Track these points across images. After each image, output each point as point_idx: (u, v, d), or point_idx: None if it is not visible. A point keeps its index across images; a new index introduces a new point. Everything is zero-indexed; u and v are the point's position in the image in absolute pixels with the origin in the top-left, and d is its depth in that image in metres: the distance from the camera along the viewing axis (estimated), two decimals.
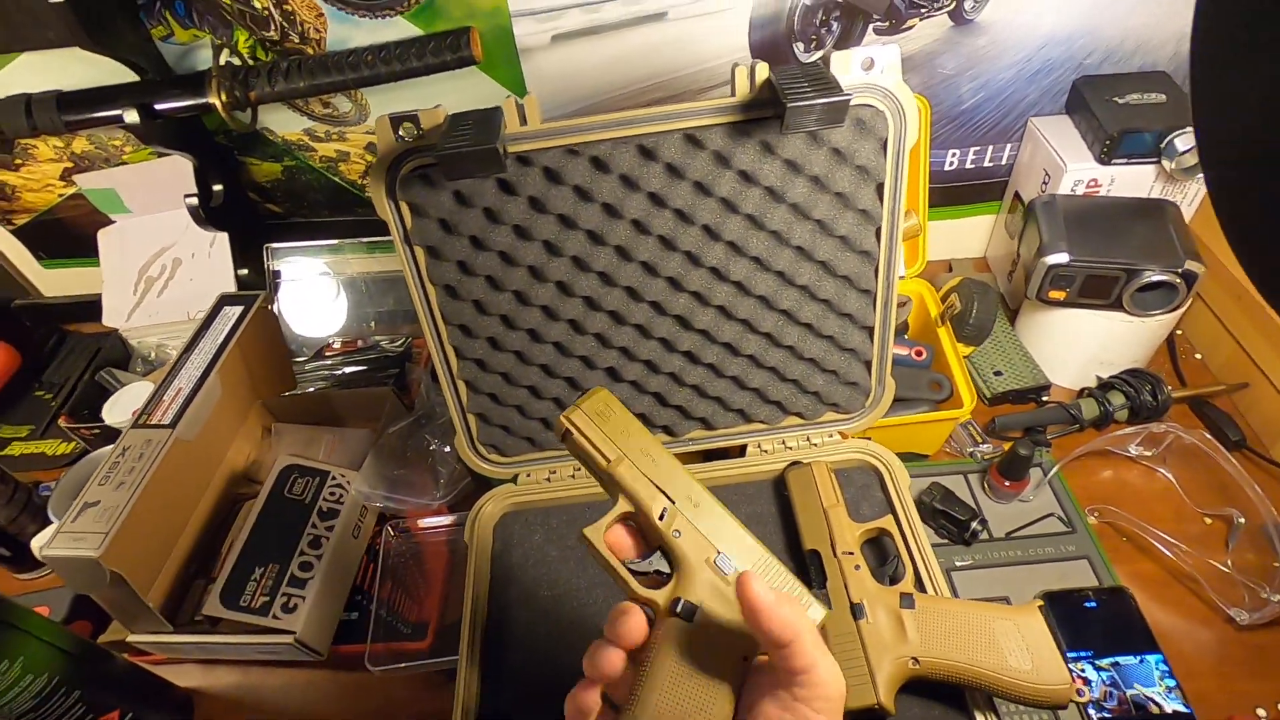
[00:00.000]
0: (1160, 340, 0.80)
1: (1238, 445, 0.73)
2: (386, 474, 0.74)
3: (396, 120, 0.49)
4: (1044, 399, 0.81)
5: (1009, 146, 0.88)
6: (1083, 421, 0.76)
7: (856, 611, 0.52)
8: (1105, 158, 0.76)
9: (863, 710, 0.48)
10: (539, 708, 0.50)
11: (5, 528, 0.74)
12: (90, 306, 1.01)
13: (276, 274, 0.98)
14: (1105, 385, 0.77)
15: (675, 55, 0.81)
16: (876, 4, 0.75)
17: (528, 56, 0.80)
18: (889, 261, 0.56)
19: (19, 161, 0.92)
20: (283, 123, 0.87)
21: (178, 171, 0.89)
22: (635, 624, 0.35)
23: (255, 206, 0.97)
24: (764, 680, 0.35)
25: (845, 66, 0.48)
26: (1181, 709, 0.56)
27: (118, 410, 0.77)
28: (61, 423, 0.85)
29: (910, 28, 0.78)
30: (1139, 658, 0.60)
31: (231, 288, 0.94)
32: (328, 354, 0.94)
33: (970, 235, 0.98)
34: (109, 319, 0.98)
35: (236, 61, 0.80)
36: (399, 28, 0.78)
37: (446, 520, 0.75)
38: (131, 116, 0.76)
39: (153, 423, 0.61)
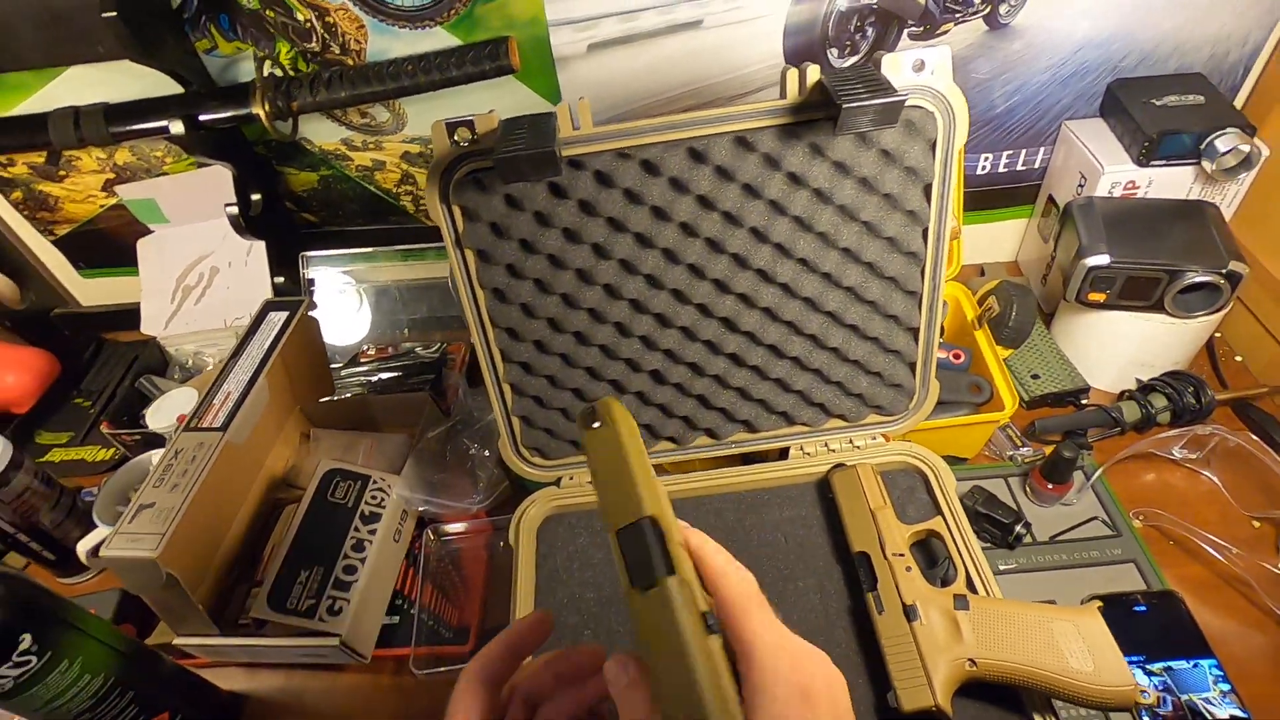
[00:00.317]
0: (1201, 342, 0.79)
1: None
2: (427, 478, 0.75)
3: (452, 125, 0.49)
4: (1083, 402, 0.80)
5: (1042, 150, 0.88)
6: (1124, 424, 0.75)
7: (910, 613, 0.51)
8: (1144, 159, 0.75)
9: (920, 713, 0.48)
10: None
11: (51, 532, 0.75)
12: (127, 315, 1.03)
13: (311, 282, 0.99)
14: (1146, 388, 0.77)
15: (710, 63, 0.82)
16: (911, 9, 0.76)
17: (564, 65, 0.81)
18: (936, 263, 0.56)
19: (63, 173, 0.94)
20: (320, 133, 0.89)
21: (216, 182, 0.91)
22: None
23: (291, 216, 0.98)
24: None
25: (896, 68, 0.49)
26: (1239, 714, 0.56)
27: (161, 416, 0.78)
28: (103, 429, 0.86)
29: (945, 32, 0.78)
30: (1192, 662, 0.59)
31: (268, 295, 0.95)
32: (362, 360, 0.95)
33: (1002, 239, 0.98)
34: (147, 327, 0.99)
35: (278, 73, 0.81)
36: (438, 38, 0.79)
37: (485, 525, 0.75)
38: (177, 127, 0.78)
39: (204, 426, 0.61)
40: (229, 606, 0.69)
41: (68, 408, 0.99)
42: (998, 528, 0.68)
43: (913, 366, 0.62)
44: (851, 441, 0.65)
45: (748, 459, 0.69)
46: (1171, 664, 0.59)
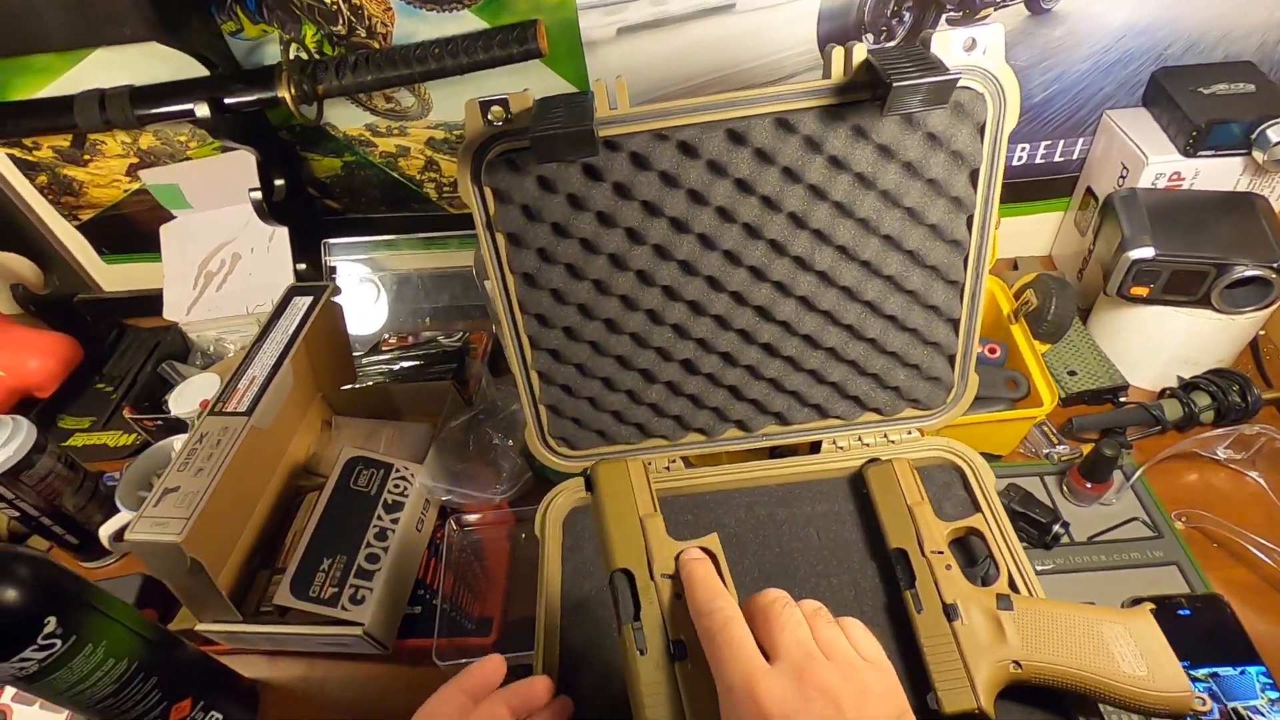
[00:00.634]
0: (1247, 339, 0.77)
1: None
2: (449, 468, 0.74)
3: (485, 104, 0.48)
4: (1121, 400, 0.78)
5: (1081, 141, 0.86)
6: (1165, 423, 0.73)
7: (950, 613, 0.50)
8: (1190, 150, 0.73)
9: (961, 715, 0.46)
10: (617, 704, 0.49)
11: (74, 516, 0.75)
12: (148, 301, 1.03)
13: (333, 270, 0.99)
14: (1189, 385, 0.74)
15: (740, 48, 0.80)
16: None
17: (592, 50, 0.80)
18: (980, 252, 0.55)
19: (87, 157, 0.93)
20: (345, 118, 0.88)
21: (240, 167, 0.90)
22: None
23: (314, 202, 0.97)
24: None
25: (946, 46, 0.47)
26: None
27: (184, 401, 0.78)
28: (125, 414, 0.86)
29: (984, 18, 0.76)
30: (1239, 669, 0.57)
31: (290, 282, 0.94)
32: (384, 348, 0.94)
33: (1036, 233, 0.96)
34: (169, 313, 0.99)
35: (304, 56, 0.80)
36: (465, 21, 0.78)
37: (508, 516, 0.74)
38: (203, 110, 0.77)
39: (228, 410, 0.61)
40: (250, 593, 0.68)
41: (90, 393, 0.99)
42: (1035, 527, 0.67)
43: (951, 359, 0.60)
44: (886, 436, 0.63)
45: (776, 452, 0.68)
46: (1218, 670, 0.57)
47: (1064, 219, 0.94)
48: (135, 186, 0.97)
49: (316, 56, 0.81)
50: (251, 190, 0.86)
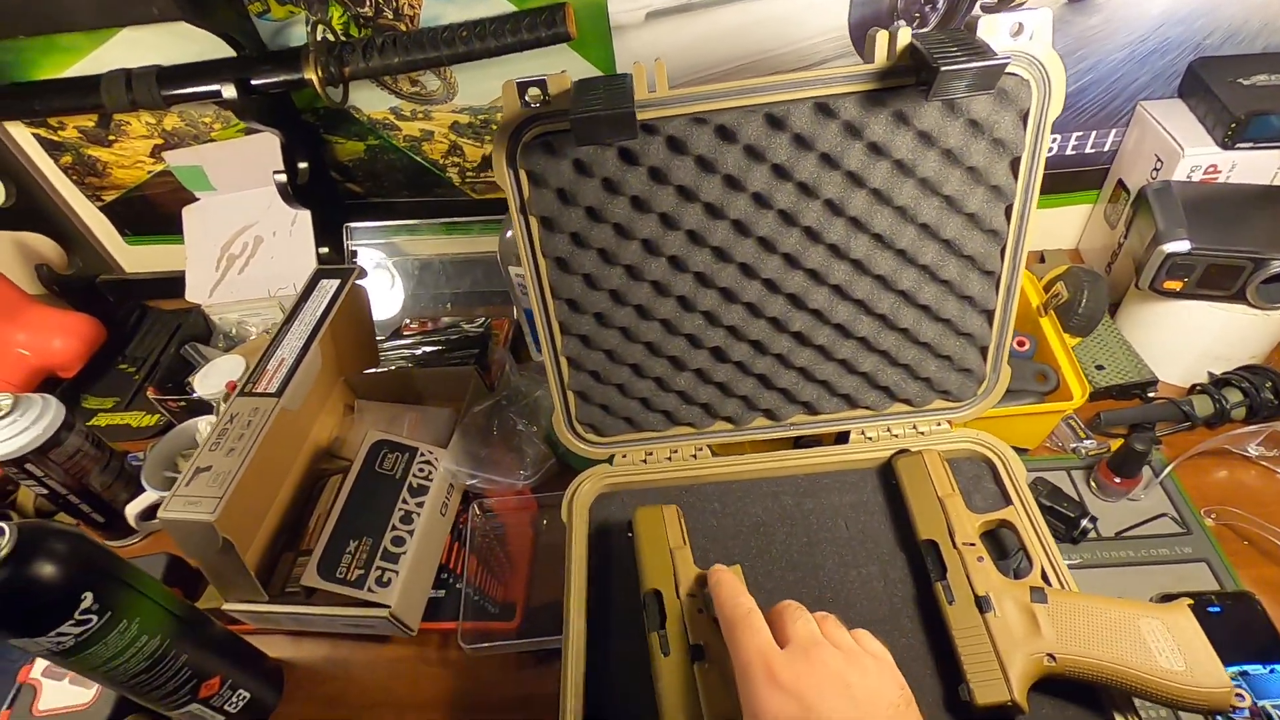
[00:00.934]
0: None
1: None
2: (473, 452, 0.74)
3: (523, 85, 0.48)
4: (1150, 395, 0.77)
5: (1113, 132, 0.85)
6: (1195, 419, 0.72)
7: (983, 604, 0.49)
8: (1228, 142, 0.72)
9: (994, 707, 0.46)
10: (644, 691, 0.49)
11: (100, 494, 0.75)
12: (170, 283, 1.03)
13: (354, 254, 0.98)
14: (1220, 381, 0.73)
15: (769, 34, 0.79)
16: None
17: (620, 34, 0.79)
18: (1018, 243, 0.54)
19: (112, 138, 0.93)
20: (369, 101, 0.88)
21: (263, 150, 0.90)
22: None
23: (336, 186, 0.97)
24: None
25: (992, 30, 0.46)
26: None
27: (209, 382, 0.78)
28: (149, 395, 0.87)
29: (1020, 5, 0.75)
30: (1269, 668, 0.57)
31: (312, 266, 0.94)
32: (405, 333, 0.94)
33: (1064, 225, 0.95)
34: (192, 295, 0.99)
35: (330, 38, 0.80)
36: (493, 4, 0.77)
37: (531, 502, 0.75)
38: (229, 91, 0.77)
39: (259, 391, 0.61)
40: (274, 574, 0.69)
41: (112, 373, 0.99)
42: (1062, 521, 0.66)
43: (984, 351, 0.59)
44: (915, 427, 0.63)
45: (800, 443, 0.67)
46: (1247, 668, 0.57)
47: (1092, 212, 0.92)
48: (159, 168, 0.97)
49: (343, 38, 0.80)
50: (276, 173, 0.86)
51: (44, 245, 1.03)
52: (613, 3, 0.77)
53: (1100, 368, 0.79)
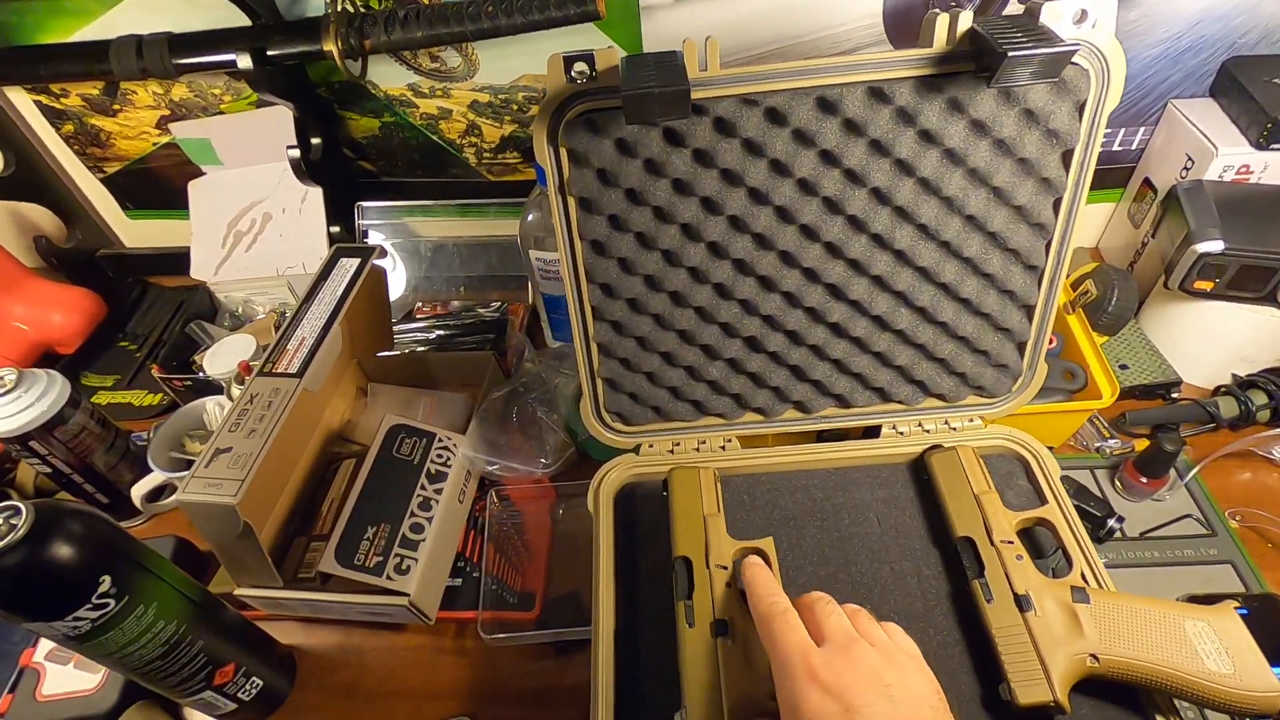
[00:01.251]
0: None
1: None
2: (491, 439, 0.73)
3: (570, 60, 0.46)
4: (1174, 395, 0.77)
5: (1141, 130, 0.84)
6: (1220, 420, 0.72)
7: (1023, 603, 0.49)
8: (1263, 142, 0.71)
9: (1035, 707, 0.45)
10: (670, 679, 0.48)
11: (105, 474, 0.73)
12: (173, 259, 1.00)
13: (365, 233, 0.96)
14: (1245, 383, 0.73)
15: (802, 19, 0.78)
16: None
17: (649, 14, 0.77)
18: (1064, 237, 0.53)
19: (117, 107, 0.91)
20: (387, 76, 0.85)
21: (274, 124, 0.87)
22: None
23: (350, 163, 0.95)
24: None
25: (1055, 17, 0.45)
26: None
27: (219, 362, 0.76)
28: (154, 373, 0.84)
29: None
30: None
31: (323, 245, 0.92)
32: (418, 316, 0.92)
33: (1085, 223, 0.94)
34: (196, 272, 0.97)
35: (350, 8, 0.77)
36: None
37: (548, 490, 0.73)
38: (244, 61, 0.74)
39: (279, 371, 0.59)
40: (286, 559, 0.67)
41: (113, 350, 0.97)
42: (1089, 521, 0.66)
43: (1021, 347, 0.59)
44: (948, 423, 0.62)
45: (824, 436, 0.66)
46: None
47: (1115, 210, 0.92)
48: (164, 140, 0.94)
49: (362, 9, 0.78)
50: (289, 148, 0.84)
51: (42, 217, 1.00)
52: None
53: (1124, 367, 0.78)
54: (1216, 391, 0.75)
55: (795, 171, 0.50)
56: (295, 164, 0.84)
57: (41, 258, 1.00)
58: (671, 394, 0.61)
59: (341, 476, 0.72)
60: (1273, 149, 0.72)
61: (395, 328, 0.90)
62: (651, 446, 0.63)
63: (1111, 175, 0.89)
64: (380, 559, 0.62)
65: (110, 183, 1.00)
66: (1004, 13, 0.44)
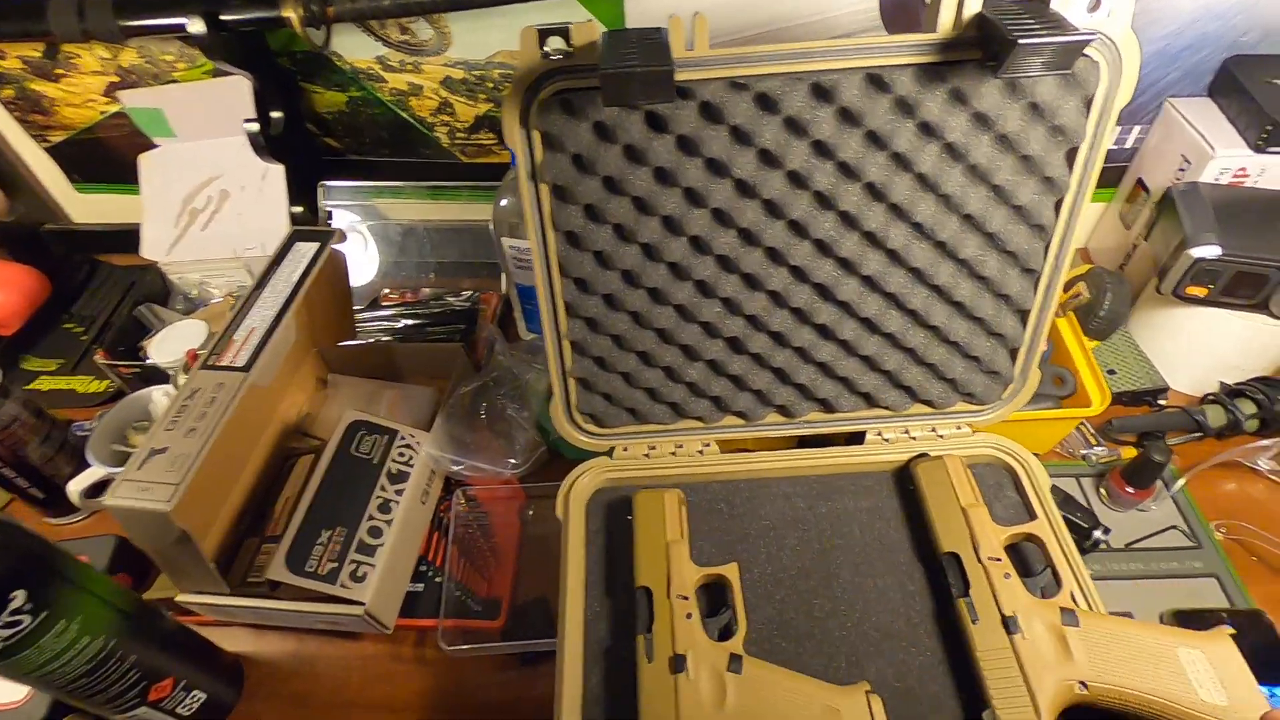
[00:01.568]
0: None
1: None
2: (458, 437, 0.69)
3: (544, 33, 0.42)
4: (1161, 403, 0.75)
5: (1136, 129, 0.82)
6: (1207, 429, 0.71)
7: (1010, 625, 0.46)
8: (1262, 145, 0.69)
9: None
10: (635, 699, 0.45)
11: (40, 468, 0.68)
12: (123, 237, 0.94)
13: (329, 214, 0.91)
14: (1233, 392, 0.72)
15: (795, 2, 0.74)
16: None
17: None
18: (1064, 240, 0.50)
19: (60, 71, 0.84)
20: (353, 47, 0.80)
21: (231, 95, 0.82)
22: None
23: (313, 140, 0.89)
24: None
25: (1066, 5, 0.42)
26: None
27: (166, 349, 0.71)
28: (98, 359, 0.79)
29: None
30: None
31: (284, 225, 0.87)
32: (384, 304, 0.87)
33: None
34: (148, 251, 0.91)
35: None
36: None
37: (518, 491, 0.70)
38: (196, 26, 0.69)
39: (224, 364, 0.54)
40: (236, 561, 0.63)
41: (57, 333, 0.91)
42: (1075, 532, 0.64)
43: (1014, 353, 0.56)
44: (935, 430, 0.59)
45: (806, 442, 0.63)
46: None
47: (1105, 211, 0.90)
48: (113, 109, 0.88)
49: None
50: (247, 121, 0.79)
51: None
52: None
53: (1111, 372, 0.76)
54: (1204, 400, 0.73)
55: (786, 163, 0.47)
56: (254, 138, 0.79)
57: None
58: (648, 395, 0.58)
59: (298, 473, 0.68)
60: (1271, 152, 0.70)
61: (360, 316, 0.85)
62: (626, 450, 0.60)
63: (1103, 175, 0.86)
64: (335, 565, 0.58)
65: (56, 153, 0.94)
66: None
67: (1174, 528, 0.67)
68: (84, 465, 0.69)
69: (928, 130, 0.46)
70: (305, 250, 0.62)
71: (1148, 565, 0.64)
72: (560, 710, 0.47)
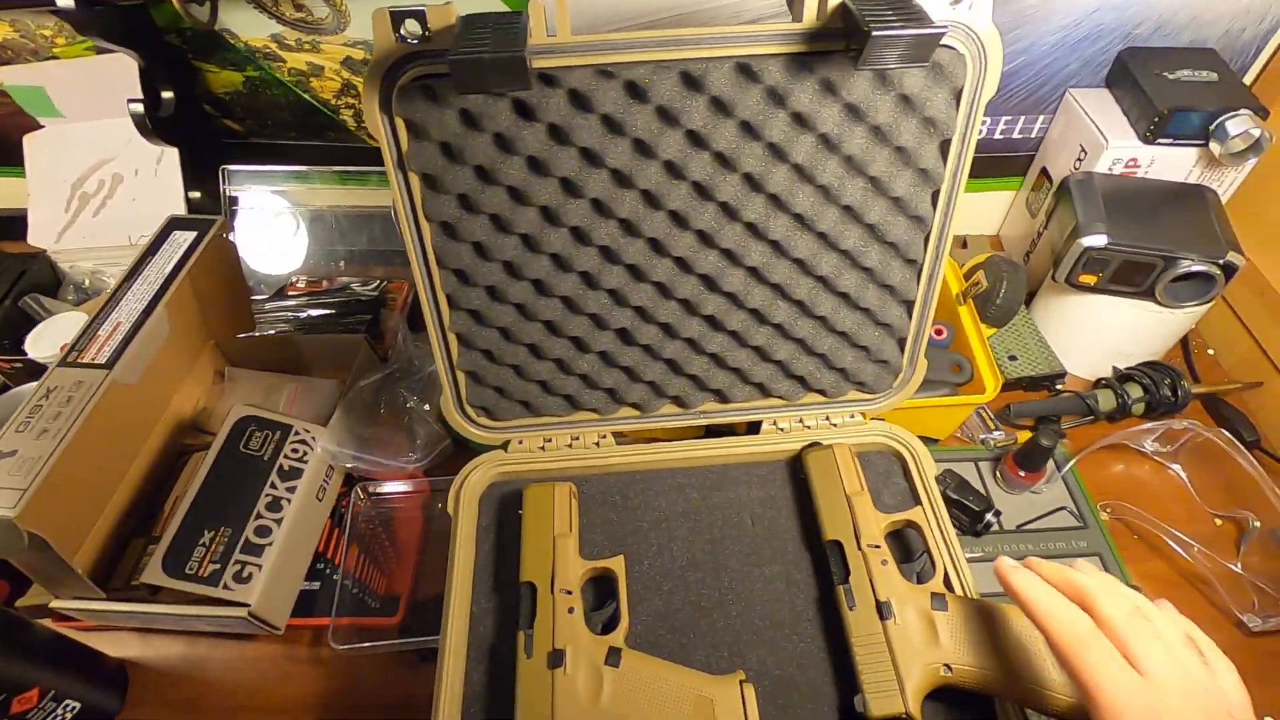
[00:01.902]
0: (1182, 333, 0.77)
1: (1252, 445, 0.71)
2: (357, 431, 0.67)
3: (398, 15, 0.40)
4: (1058, 388, 0.78)
5: (1041, 118, 0.83)
6: (1098, 413, 0.73)
7: (883, 611, 0.47)
8: (1150, 136, 0.71)
9: (888, 719, 0.44)
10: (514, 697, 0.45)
11: None
12: (11, 223, 0.89)
13: (233, 200, 0.88)
14: (1123, 377, 0.74)
15: None
16: None
17: None
18: (942, 231, 0.51)
19: None
20: (246, 25, 0.76)
21: (118, 73, 0.78)
22: None
23: (211, 122, 0.86)
24: None
25: None
26: None
27: (44, 343, 0.67)
28: None
29: None
30: None
31: (180, 211, 0.83)
32: (290, 294, 0.85)
33: (987, 211, 0.94)
34: (35, 238, 0.86)
35: None
36: None
37: (422, 486, 0.69)
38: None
39: (85, 361, 0.52)
40: (121, 564, 0.61)
41: None
42: (968, 515, 0.66)
43: (902, 342, 0.57)
44: (829, 419, 0.60)
45: (712, 431, 0.64)
46: None
47: (1015, 199, 0.92)
48: None
49: None
50: (131, 101, 0.75)
51: None
52: None
53: (1013, 358, 0.78)
54: (1096, 384, 0.76)
55: (660, 153, 0.46)
56: (139, 120, 0.75)
57: None
58: (541, 388, 0.57)
59: (190, 471, 0.66)
60: (1160, 143, 0.72)
61: (267, 306, 0.83)
62: (521, 443, 0.59)
63: (1012, 163, 0.88)
64: (217, 566, 0.56)
65: None
66: None
67: (1064, 509, 0.69)
68: None
69: (800, 121, 0.45)
70: (182, 239, 0.60)
71: (1037, 546, 0.67)
72: (439, 708, 0.46)
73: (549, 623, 0.47)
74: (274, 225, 0.87)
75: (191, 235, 0.60)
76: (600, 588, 0.52)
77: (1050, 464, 0.69)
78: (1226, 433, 0.69)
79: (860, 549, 0.51)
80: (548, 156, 0.46)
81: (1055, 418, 0.73)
